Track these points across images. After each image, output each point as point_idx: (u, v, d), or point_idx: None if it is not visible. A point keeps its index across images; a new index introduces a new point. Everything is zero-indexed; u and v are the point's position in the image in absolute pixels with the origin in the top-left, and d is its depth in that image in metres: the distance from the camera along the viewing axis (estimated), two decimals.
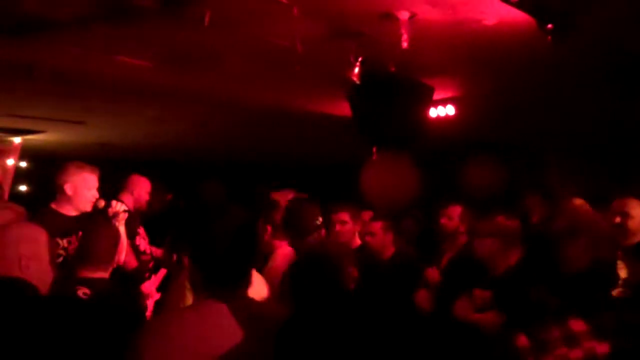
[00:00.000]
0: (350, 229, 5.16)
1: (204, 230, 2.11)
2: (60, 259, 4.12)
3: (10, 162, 10.18)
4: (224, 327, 1.96)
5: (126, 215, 4.45)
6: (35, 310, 2.51)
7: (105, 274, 3.63)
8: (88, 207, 4.42)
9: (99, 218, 4.41)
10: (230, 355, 1.90)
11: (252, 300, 2.15)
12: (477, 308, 4.83)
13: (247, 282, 2.13)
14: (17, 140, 10.03)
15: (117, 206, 4.39)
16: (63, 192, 4.42)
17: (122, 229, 4.44)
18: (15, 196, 10.49)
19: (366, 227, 5.51)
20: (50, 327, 2.45)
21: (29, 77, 5.58)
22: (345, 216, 5.17)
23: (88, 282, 3.39)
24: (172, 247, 4.22)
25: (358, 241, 5.30)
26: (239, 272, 2.11)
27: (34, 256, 2.71)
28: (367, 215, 6.37)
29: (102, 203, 4.41)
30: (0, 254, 2.67)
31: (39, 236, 2.81)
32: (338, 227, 5.17)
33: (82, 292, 3.29)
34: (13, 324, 2.37)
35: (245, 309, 2.03)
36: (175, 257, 4.67)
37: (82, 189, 4.40)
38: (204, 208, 2.20)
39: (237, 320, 1.97)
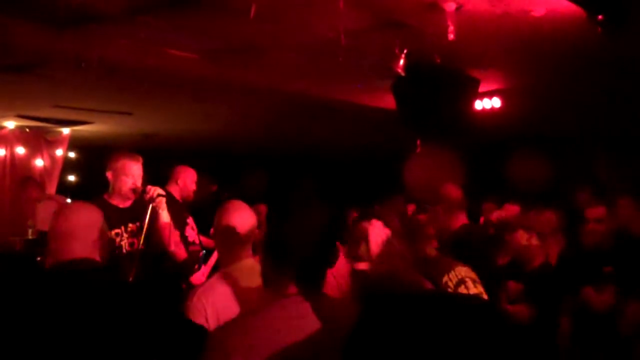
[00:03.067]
0: (395, 225, 5.15)
1: (294, 226, 2.08)
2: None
3: (59, 152, 10.39)
4: (309, 326, 1.93)
5: (163, 199, 4.39)
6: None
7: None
8: (130, 194, 4.43)
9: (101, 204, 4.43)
10: (315, 354, 1.88)
11: (332, 298, 2.13)
12: (510, 300, 4.86)
13: (324, 279, 2.12)
14: (65, 131, 10.21)
15: (152, 191, 4.35)
16: (108, 181, 4.48)
17: (164, 214, 4.42)
18: (64, 186, 10.71)
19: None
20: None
21: (78, 68, 5.66)
22: (390, 213, 5.18)
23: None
24: None
25: None
26: (322, 269, 2.09)
27: (102, 237, 2.79)
28: (410, 208, 6.37)
29: (138, 189, 4.39)
30: (78, 235, 2.70)
31: (99, 217, 2.87)
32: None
33: None
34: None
35: (328, 307, 2.01)
36: None
37: (121, 176, 4.41)
38: (291, 204, 2.17)
39: (320, 318, 1.95)
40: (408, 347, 1.10)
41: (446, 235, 4.84)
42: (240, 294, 2.94)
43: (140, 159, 4.52)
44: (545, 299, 4.72)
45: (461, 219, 5.25)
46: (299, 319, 1.94)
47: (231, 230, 3.17)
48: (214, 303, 2.91)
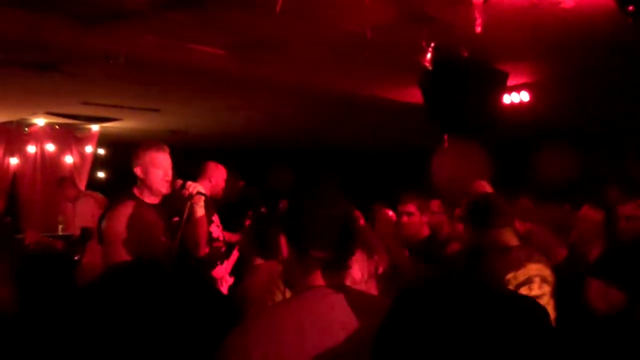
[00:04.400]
0: (417, 220, 5.11)
1: (318, 215, 2.05)
2: None
3: (88, 149, 10.50)
4: (338, 319, 1.90)
5: (202, 197, 4.30)
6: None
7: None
8: (163, 188, 4.24)
9: (133, 201, 4.24)
10: (349, 347, 1.85)
11: (357, 291, 2.10)
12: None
13: (348, 270, 2.10)
14: (94, 127, 10.32)
15: (192, 187, 4.22)
16: (138, 177, 4.27)
17: (200, 211, 4.33)
18: (94, 183, 10.81)
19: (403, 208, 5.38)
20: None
21: (106, 65, 5.70)
22: (412, 207, 5.11)
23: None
24: (256, 233, 4.08)
25: (426, 231, 5.24)
26: (347, 258, 2.06)
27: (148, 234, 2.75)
28: (435, 204, 6.30)
29: (179, 182, 4.25)
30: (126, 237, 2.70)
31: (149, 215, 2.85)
32: (405, 219, 5.13)
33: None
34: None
35: (356, 300, 1.97)
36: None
37: (151, 168, 4.20)
38: (313, 194, 2.16)
39: (350, 311, 1.92)
40: (438, 340, 1.08)
41: None
42: None
43: (167, 149, 4.33)
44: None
45: None
46: (327, 311, 1.92)
47: None
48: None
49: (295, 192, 2.20)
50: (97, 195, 8.59)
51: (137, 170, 4.24)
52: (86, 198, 8.53)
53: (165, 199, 4.32)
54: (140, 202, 4.18)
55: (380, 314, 1.72)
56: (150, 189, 4.24)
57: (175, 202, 4.31)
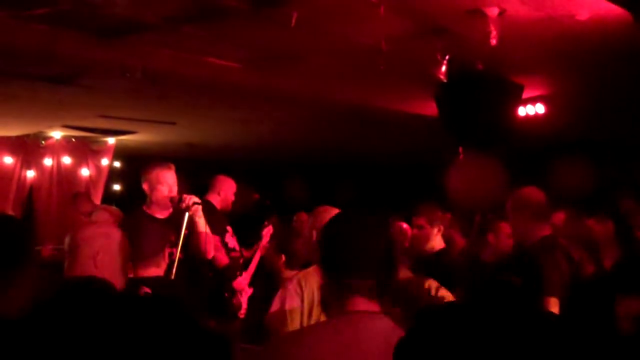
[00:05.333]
0: (428, 233, 5.11)
1: (364, 244, 1.98)
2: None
3: (104, 162, 10.55)
4: (365, 347, 1.86)
5: (199, 207, 4.41)
6: (114, 308, 2.51)
7: (159, 271, 3.69)
8: (165, 203, 4.46)
9: (140, 216, 4.47)
10: None
11: (394, 317, 2.04)
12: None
13: (389, 295, 2.04)
14: (111, 140, 10.37)
15: (188, 199, 4.33)
16: (145, 192, 4.52)
17: (201, 222, 4.45)
18: (110, 196, 10.86)
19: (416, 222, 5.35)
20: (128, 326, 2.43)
21: (122, 78, 5.74)
22: (422, 220, 5.11)
23: (145, 281, 3.42)
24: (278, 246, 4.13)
25: (441, 244, 5.20)
26: (387, 283, 2.02)
27: (107, 252, 2.73)
28: (447, 216, 6.25)
29: (175, 198, 4.40)
30: (79, 253, 2.71)
31: (113, 234, 2.84)
32: (415, 232, 5.14)
33: (144, 291, 3.33)
34: (94, 324, 2.35)
35: (388, 328, 1.93)
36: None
37: (156, 185, 4.44)
38: (354, 219, 2.10)
39: (380, 339, 1.86)
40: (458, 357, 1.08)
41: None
42: None
43: (173, 167, 4.56)
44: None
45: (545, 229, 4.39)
46: (366, 338, 1.87)
47: None
48: (311, 287, 3.17)
49: (334, 216, 2.14)
50: (112, 209, 8.58)
51: (145, 186, 4.53)
52: (102, 212, 8.54)
53: (174, 213, 4.43)
54: (146, 217, 4.32)
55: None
56: (157, 204, 4.48)
57: (179, 218, 4.42)
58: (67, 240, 2.78)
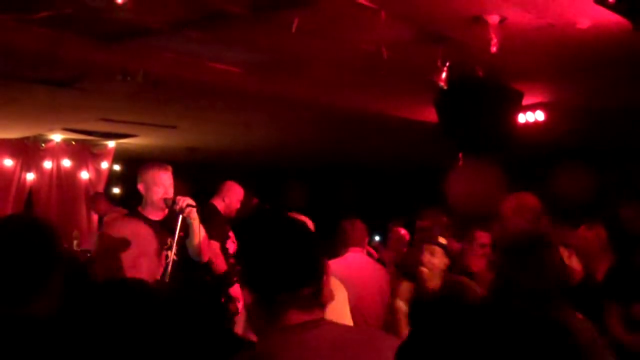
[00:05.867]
0: None
1: (289, 253, 1.85)
2: None
3: (104, 165, 10.56)
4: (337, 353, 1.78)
5: (194, 209, 4.31)
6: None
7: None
8: (160, 205, 4.38)
9: (134, 217, 4.39)
10: None
11: (337, 324, 1.94)
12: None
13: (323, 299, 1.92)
14: (111, 144, 10.38)
15: (181, 202, 4.24)
16: (141, 193, 4.46)
17: (196, 225, 4.37)
18: (109, 199, 10.85)
19: None
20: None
21: (123, 82, 5.74)
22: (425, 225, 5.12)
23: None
24: None
25: None
26: (318, 287, 1.88)
27: (144, 253, 2.71)
28: (444, 220, 6.25)
29: (169, 200, 4.33)
30: (110, 255, 2.68)
31: (145, 232, 2.82)
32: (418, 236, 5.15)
33: None
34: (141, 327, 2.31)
35: (339, 334, 1.86)
36: None
37: (152, 186, 4.37)
38: (272, 228, 1.98)
39: (334, 348, 1.78)
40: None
41: None
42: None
43: (170, 168, 4.49)
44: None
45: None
46: (312, 352, 1.75)
47: None
48: None
49: (247, 229, 2.00)
50: (123, 212, 8.66)
51: (140, 187, 4.45)
52: (115, 214, 8.62)
53: (169, 215, 4.41)
54: (139, 218, 4.28)
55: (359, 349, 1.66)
56: (152, 205, 4.41)
57: (172, 218, 4.37)
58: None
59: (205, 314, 4.97)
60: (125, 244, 2.68)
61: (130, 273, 2.65)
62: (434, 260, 4.10)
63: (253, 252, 1.88)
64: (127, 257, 2.67)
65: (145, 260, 2.72)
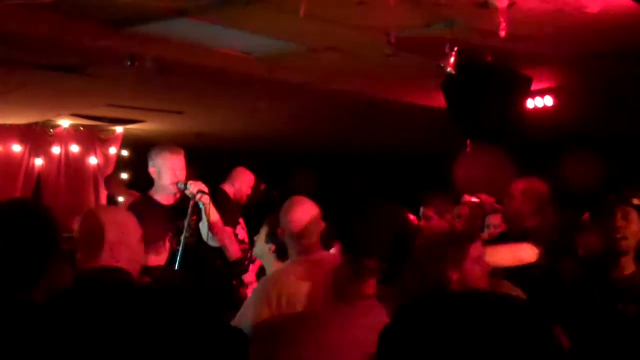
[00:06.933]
0: (436, 224, 5.12)
1: (375, 223, 2.03)
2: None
3: (112, 151, 10.57)
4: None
5: (205, 195, 4.22)
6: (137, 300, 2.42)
7: (158, 259, 3.67)
8: (172, 189, 4.31)
9: (144, 201, 4.38)
10: None
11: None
12: None
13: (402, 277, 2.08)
14: (119, 129, 10.39)
15: (192, 187, 4.17)
16: (152, 177, 4.39)
17: (208, 208, 4.25)
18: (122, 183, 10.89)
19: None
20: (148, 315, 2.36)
21: (131, 68, 5.74)
22: (431, 212, 5.12)
23: (146, 270, 3.39)
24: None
25: None
26: (401, 266, 2.03)
27: (122, 242, 2.55)
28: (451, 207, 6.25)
29: (182, 184, 4.24)
30: (88, 241, 2.55)
31: (127, 220, 2.68)
32: (423, 223, 5.15)
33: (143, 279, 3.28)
34: (117, 315, 2.28)
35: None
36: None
37: (164, 170, 4.29)
38: (364, 202, 2.12)
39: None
40: (441, 346, 1.08)
41: None
42: (308, 286, 2.77)
43: (182, 152, 4.41)
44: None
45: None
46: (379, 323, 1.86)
47: (290, 225, 3.11)
48: (280, 291, 2.82)
49: (354, 200, 2.18)
50: (137, 195, 8.69)
51: (152, 171, 4.37)
52: (130, 198, 8.66)
53: (181, 200, 4.36)
54: (150, 202, 4.24)
55: None
56: (163, 190, 4.35)
57: (184, 202, 4.31)
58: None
59: (211, 300, 4.98)
60: (101, 231, 2.52)
61: (108, 261, 2.51)
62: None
63: (355, 220, 2.08)
64: (106, 245, 2.51)
65: (125, 249, 2.55)
